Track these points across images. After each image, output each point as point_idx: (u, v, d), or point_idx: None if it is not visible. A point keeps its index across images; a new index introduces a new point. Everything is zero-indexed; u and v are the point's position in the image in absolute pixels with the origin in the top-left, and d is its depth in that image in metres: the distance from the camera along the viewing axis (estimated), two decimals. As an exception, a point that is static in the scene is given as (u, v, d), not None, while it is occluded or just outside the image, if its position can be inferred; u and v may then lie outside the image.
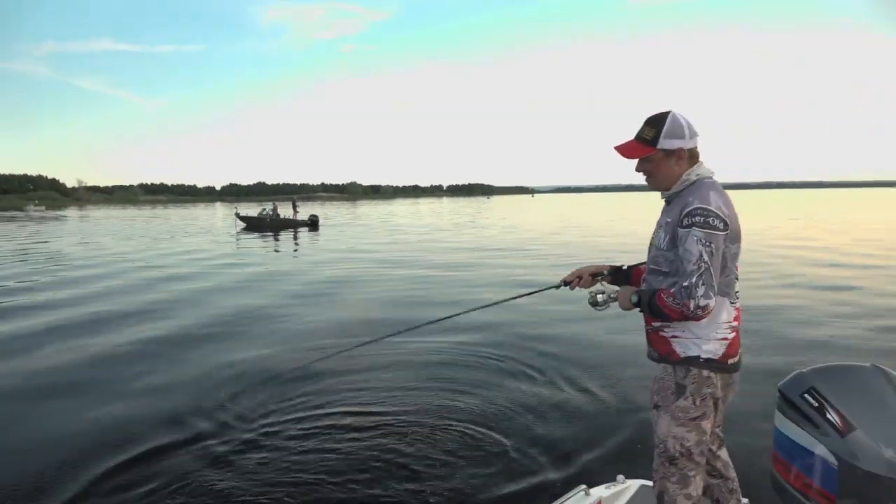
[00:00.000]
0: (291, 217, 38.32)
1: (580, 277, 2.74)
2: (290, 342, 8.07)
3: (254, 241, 27.54)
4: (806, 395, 2.27)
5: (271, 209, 38.25)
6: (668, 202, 2.44)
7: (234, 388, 6.07)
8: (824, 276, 13.20)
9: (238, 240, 28.51)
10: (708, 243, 2.17)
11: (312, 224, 36.94)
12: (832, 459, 2.13)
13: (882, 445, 2.05)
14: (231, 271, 16.32)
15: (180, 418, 5.31)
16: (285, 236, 30.77)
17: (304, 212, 41.45)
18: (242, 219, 37.90)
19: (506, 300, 3.49)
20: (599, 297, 2.63)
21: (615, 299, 2.62)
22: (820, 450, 2.17)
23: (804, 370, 2.38)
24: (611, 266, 2.79)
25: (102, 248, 24.27)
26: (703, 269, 2.16)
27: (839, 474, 2.11)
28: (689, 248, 2.19)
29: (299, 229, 35.71)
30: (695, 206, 2.22)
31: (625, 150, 2.41)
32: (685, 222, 2.22)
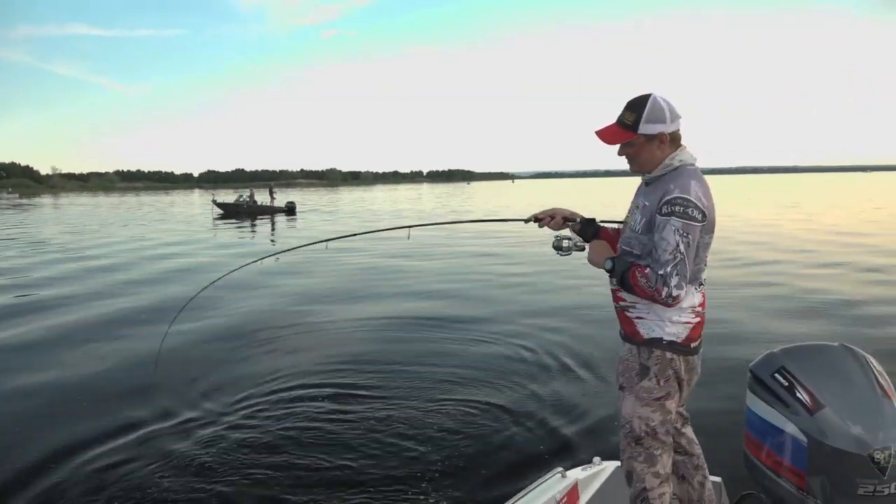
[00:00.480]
0: (269, 204, 38.20)
1: (552, 217, 2.70)
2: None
3: (228, 230, 27.28)
4: (776, 375, 2.30)
5: (248, 196, 38.12)
6: (647, 184, 2.43)
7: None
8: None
9: (215, 226, 28.27)
10: (686, 234, 2.17)
11: (290, 210, 37.07)
12: (802, 437, 2.16)
13: (849, 423, 2.08)
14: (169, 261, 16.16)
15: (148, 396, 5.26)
16: (262, 222, 30.59)
17: (282, 198, 41.25)
18: (220, 205, 37.69)
19: (470, 221, 3.91)
20: (565, 243, 2.63)
21: (580, 248, 2.63)
22: (790, 428, 2.21)
23: (775, 350, 2.41)
24: (583, 217, 2.77)
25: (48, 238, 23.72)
26: (678, 259, 2.16)
27: (809, 452, 2.14)
28: (665, 238, 2.19)
29: (276, 216, 35.65)
30: (675, 196, 2.21)
31: (605, 135, 2.38)
32: (664, 210, 2.21)
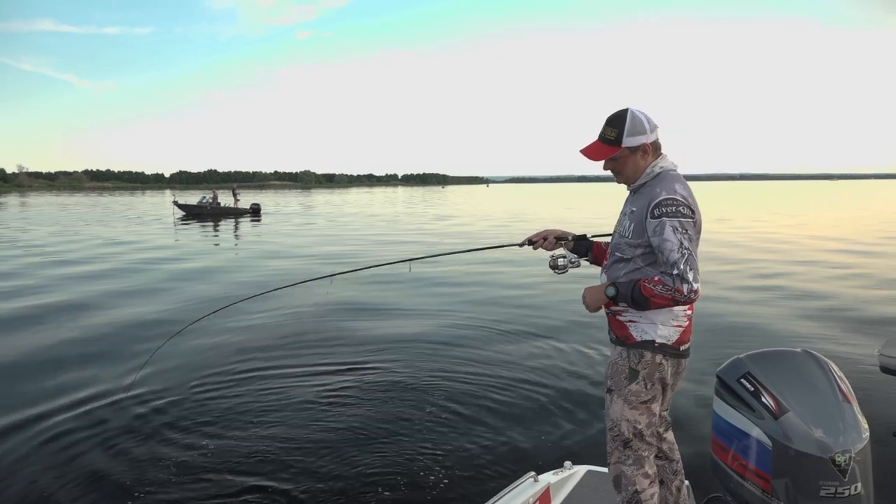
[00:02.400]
0: (232, 205, 37.71)
1: (545, 238, 2.76)
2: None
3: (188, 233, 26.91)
4: (742, 380, 2.36)
5: (211, 197, 37.60)
6: (633, 192, 2.50)
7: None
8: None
9: (176, 229, 27.46)
10: (684, 230, 2.24)
11: (255, 212, 36.89)
12: (767, 441, 2.23)
13: (812, 426, 2.15)
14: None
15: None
16: (226, 224, 30.18)
17: (247, 200, 40.96)
18: (181, 207, 36.89)
19: (466, 251, 3.62)
20: (560, 262, 2.67)
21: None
22: (756, 432, 2.27)
23: (741, 356, 2.48)
24: (574, 234, 2.82)
25: None
26: (686, 255, 2.22)
27: (773, 455, 2.21)
28: (668, 238, 2.24)
29: (242, 217, 35.25)
30: (663, 197, 2.28)
31: (590, 152, 2.44)
32: (655, 213, 2.28)
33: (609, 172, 2.53)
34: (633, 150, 2.39)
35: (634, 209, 2.40)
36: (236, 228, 28.25)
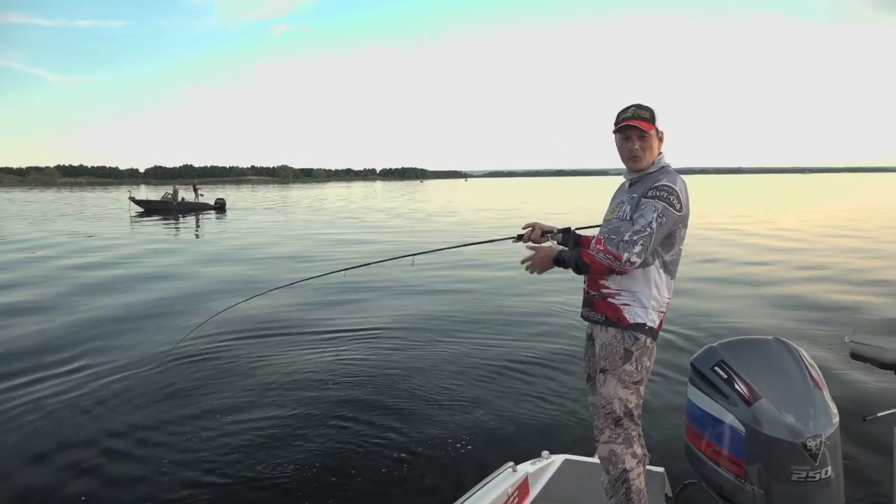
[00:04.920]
0: (193, 200, 37.06)
1: (532, 229, 2.81)
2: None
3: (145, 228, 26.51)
4: (716, 368, 2.41)
5: (171, 192, 36.93)
6: (633, 183, 2.57)
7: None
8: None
9: (132, 227, 25.95)
10: (662, 216, 2.32)
11: (220, 208, 36.63)
12: (740, 427, 2.27)
13: (784, 412, 2.19)
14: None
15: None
16: (187, 221, 29.35)
17: (228, 195, 40.29)
18: (139, 203, 36.26)
19: (459, 245, 3.65)
20: None
21: None
22: (729, 419, 2.31)
23: (714, 344, 2.52)
24: (558, 228, 2.86)
25: None
26: (648, 232, 2.29)
27: (746, 441, 2.25)
28: (644, 214, 2.34)
29: (206, 213, 34.69)
30: (663, 183, 2.39)
31: (642, 123, 2.47)
32: (650, 194, 2.38)
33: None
34: (658, 133, 2.51)
35: (635, 195, 2.48)
36: (197, 225, 27.36)
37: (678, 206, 2.37)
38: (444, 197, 57.77)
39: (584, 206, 35.01)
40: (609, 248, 2.32)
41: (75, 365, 6.30)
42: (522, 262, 2.64)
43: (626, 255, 2.29)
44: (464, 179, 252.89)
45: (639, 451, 2.46)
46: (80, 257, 15.57)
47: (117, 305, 9.45)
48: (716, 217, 25.90)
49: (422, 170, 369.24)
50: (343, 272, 3.66)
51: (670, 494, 2.95)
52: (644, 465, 2.48)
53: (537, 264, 2.60)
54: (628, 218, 2.45)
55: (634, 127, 2.47)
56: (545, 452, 3.32)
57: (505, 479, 2.93)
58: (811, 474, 2.15)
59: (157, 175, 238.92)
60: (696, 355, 2.55)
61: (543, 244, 2.75)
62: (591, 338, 2.68)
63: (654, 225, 2.31)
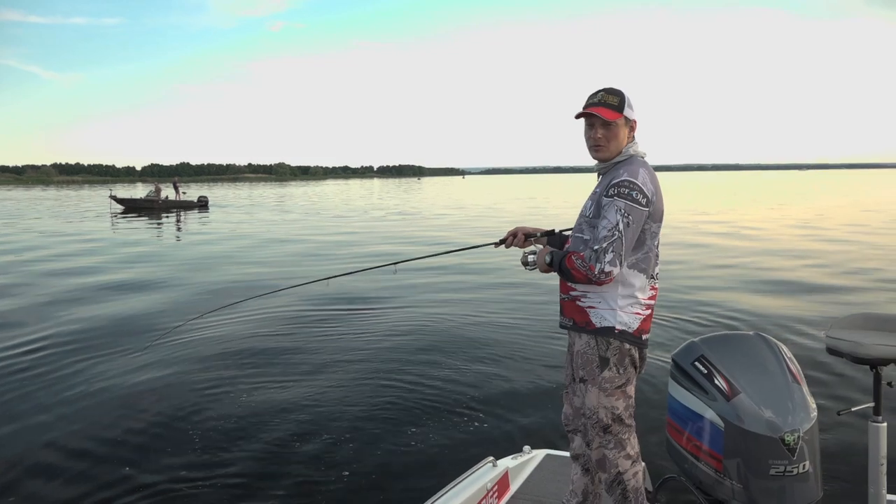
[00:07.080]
0: (174, 198, 36.99)
1: (514, 236, 2.76)
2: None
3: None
4: (696, 363, 2.41)
5: (153, 190, 36.77)
6: (600, 174, 2.47)
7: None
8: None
9: (113, 226, 25.30)
10: (627, 214, 2.20)
11: (202, 205, 36.91)
12: (720, 422, 2.28)
13: (762, 407, 2.20)
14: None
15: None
16: (168, 219, 28.94)
17: (220, 193, 40.20)
18: (119, 201, 35.98)
19: (443, 253, 3.57)
20: (530, 258, 2.68)
21: None
22: (709, 414, 2.32)
23: (695, 339, 2.53)
24: (543, 230, 2.82)
25: None
26: (615, 237, 2.18)
27: (726, 436, 2.26)
28: (607, 216, 2.23)
29: (189, 210, 34.61)
30: (622, 179, 2.26)
31: (603, 112, 2.36)
32: (610, 192, 2.26)
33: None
34: (627, 122, 2.39)
35: (597, 189, 2.40)
36: (178, 224, 26.82)
37: (643, 201, 2.25)
38: (443, 194, 57.63)
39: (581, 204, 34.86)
40: (585, 257, 2.23)
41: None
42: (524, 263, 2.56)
43: (598, 266, 2.17)
44: (461, 176, 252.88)
45: (632, 451, 2.42)
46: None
47: (83, 318, 8.50)
48: (727, 215, 25.94)
49: (419, 167, 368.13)
50: (327, 280, 3.56)
51: (650, 489, 2.96)
52: (639, 463, 2.46)
53: (541, 267, 2.49)
54: (589, 215, 2.38)
55: (597, 115, 2.35)
56: (526, 447, 3.33)
57: (485, 473, 2.93)
58: (789, 468, 2.16)
59: (154, 173, 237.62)
60: (676, 350, 2.56)
61: (527, 248, 2.72)
62: (569, 346, 2.57)
63: (620, 227, 2.20)
